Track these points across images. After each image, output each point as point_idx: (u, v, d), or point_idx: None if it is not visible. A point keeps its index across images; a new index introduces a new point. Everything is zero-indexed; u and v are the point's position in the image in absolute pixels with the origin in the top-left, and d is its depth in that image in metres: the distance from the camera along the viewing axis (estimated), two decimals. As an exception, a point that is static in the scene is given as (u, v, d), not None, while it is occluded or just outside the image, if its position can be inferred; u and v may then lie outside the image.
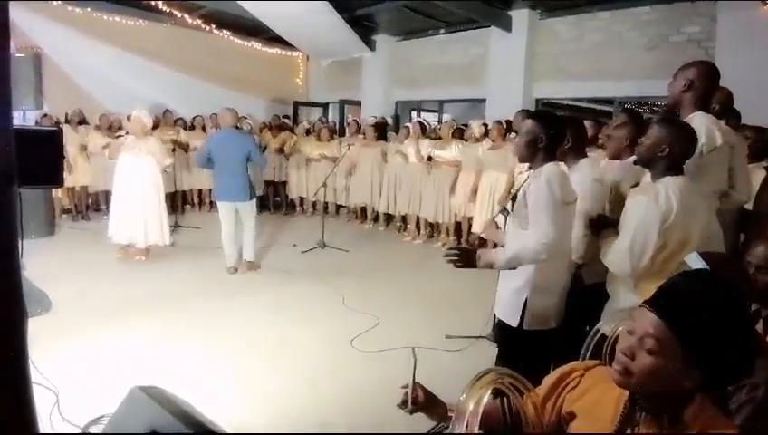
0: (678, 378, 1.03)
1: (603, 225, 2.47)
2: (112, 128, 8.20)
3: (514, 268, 2.40)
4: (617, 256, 2.20)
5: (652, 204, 2.07)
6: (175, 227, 7.67)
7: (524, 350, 2.44)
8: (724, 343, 1.01)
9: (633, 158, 2.42)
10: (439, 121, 9.45)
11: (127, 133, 6.10)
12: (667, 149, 2.11)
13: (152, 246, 6.05)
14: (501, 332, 2.63)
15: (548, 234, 2.28)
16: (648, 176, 2.32)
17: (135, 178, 5.86)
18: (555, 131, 2.45)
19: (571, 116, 2.98)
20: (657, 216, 2.06)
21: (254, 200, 5.91)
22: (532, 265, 2.39)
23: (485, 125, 7.18)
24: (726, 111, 3.32)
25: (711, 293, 1.05)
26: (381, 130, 8.74)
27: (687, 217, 2.06)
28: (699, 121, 2.43)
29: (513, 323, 2.48)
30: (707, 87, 2.55)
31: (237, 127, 6.37)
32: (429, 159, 7.51)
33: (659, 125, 2.20)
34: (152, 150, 5.92)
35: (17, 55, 6.65)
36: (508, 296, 2.53)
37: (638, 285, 2.17)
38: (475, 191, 6.78)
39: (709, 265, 1.54)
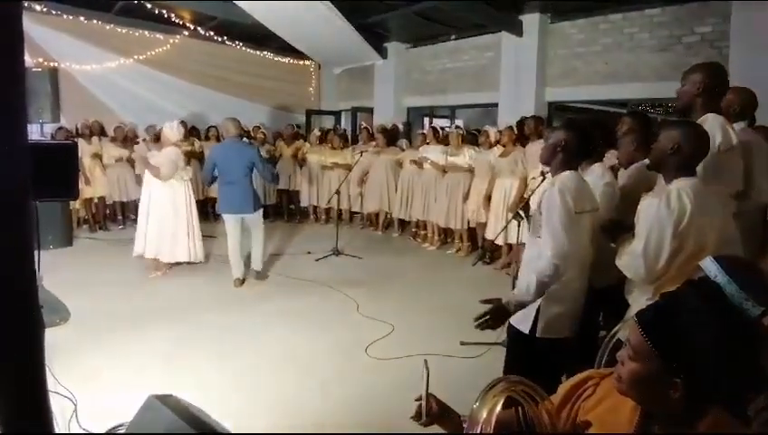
0: (661, 385, 1.05)
1: (618, 229, 2.45)
2: (127, 139, 8.33)
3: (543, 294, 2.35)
4: (632, 260, 2.18)
5: (664, 206, 2.05)
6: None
7: (535, 358, 2.42)
8: (705, 356, 1.01)
9: (645, 161, 2.41)
10: (450, 127, 9.44)
11: (139, 141, 6.02)
12: (677, 147, 2.09)
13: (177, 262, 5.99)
14: (511, 338, 2.61)
15: (561, 251, 2.27)
16: (661, 180, 2.30)
17: (158, 192, 5.77)
18: (579, 141, 2.45)
19: (593, 119, 2.99)
20: (669, 218, 2.03)
21: (261, 211, 5.84)
22: None
23: (500, 132, 7.16)
24: (748, 113, 3.28)
25: (694, 306, 1.06)
26: (391, 137, 8.76)
27: (703, 219, 2.03)
28: (713, 122, 2.41)
29: (525, 329, 2.46)
30: (718, 88, 2.54)
31: (244, 136, 6.32)
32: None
33: (668, 126, 2.20)
34: (160, 162, 5.69)
35: (34, 70, 6.80)
36: None
37: (658, 292, 2.12)
38: (488, 198, 6.74)
39: (728, 269, 1.49)
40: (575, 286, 2.46)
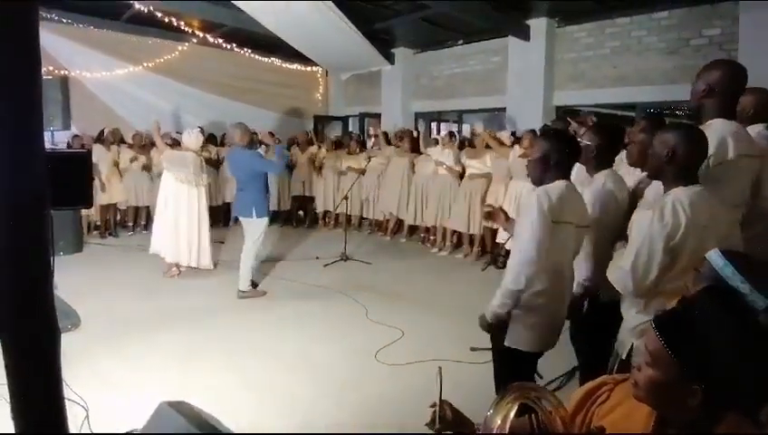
0: (678, 392, 1.04)
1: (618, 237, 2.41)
2: (145, 146, 8.41)
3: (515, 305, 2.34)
4: (620, 274, 2.11)
5: (657, 220, 1.96)
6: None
7: (505, 366, 2.40)
8: (724, 362, 1.00)
9: None
10: (460, 132, 9.43)
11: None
12: (671, 153, 2.00)
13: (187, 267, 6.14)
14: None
15: (528, 260, 2.23)
16: (650, 190, 2.25)
17: (173, 195, 5.97)
18: (567, 150, 2.41)
19: (607, 124, 2.91)
20: (661, 233, 1.94)
21: (262, 220, 5.40)
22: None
23: (514, 134, 7.16)
24: (765, 115, 3.13)
25: (711, 312, 1.05)
26: (413, 141, 8.70)
27: (702, 231, 1.94)
28: (715, 130, 2.23)
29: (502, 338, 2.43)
30: (730, 90, 2.32)
31: (257, 144, 6.34)
32: (463, 169, 7.50)
33: (662, 131, 2.13)
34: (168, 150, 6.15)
35: (45, 78, 6.85)
36: None
37: (648, 305, 2.06)
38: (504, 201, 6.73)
39: (733, 261, 1.45)
40: (548, 299, 2.36)
